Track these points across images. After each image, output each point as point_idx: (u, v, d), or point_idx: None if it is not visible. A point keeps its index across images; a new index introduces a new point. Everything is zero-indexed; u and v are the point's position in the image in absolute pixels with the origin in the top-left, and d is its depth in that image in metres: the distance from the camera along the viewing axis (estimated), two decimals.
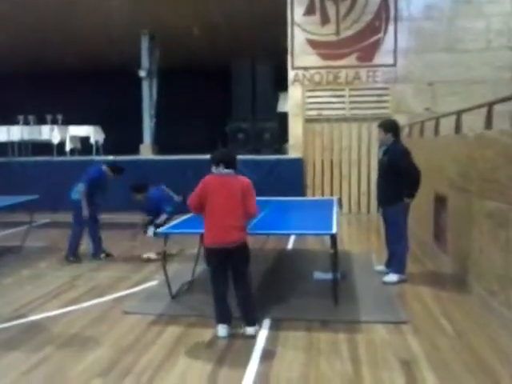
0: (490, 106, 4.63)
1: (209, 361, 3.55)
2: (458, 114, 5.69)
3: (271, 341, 3.89)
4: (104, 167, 6.67)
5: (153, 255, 6.45)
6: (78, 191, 6.52)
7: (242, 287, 3.99)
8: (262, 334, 4.00)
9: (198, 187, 3.95)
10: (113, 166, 6.74)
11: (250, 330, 3.96)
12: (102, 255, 6.66)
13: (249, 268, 4.04)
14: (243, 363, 3.48)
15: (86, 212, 6.45)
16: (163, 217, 6.56)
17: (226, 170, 3.97)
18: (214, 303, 4.04)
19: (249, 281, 4.06)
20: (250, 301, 4.05)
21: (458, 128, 5.69)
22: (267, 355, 3.64)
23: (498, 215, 4.17)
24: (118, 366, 3.48)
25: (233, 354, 3.69)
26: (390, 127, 5.45)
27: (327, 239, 4.99)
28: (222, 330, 3.98)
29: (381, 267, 5.81)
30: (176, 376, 3.34)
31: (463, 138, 5.33)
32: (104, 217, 7.14)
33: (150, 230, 6.60)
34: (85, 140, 12.95)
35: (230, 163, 3.99)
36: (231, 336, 3.97)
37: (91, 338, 3.98)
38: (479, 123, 5.52)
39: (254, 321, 4.01)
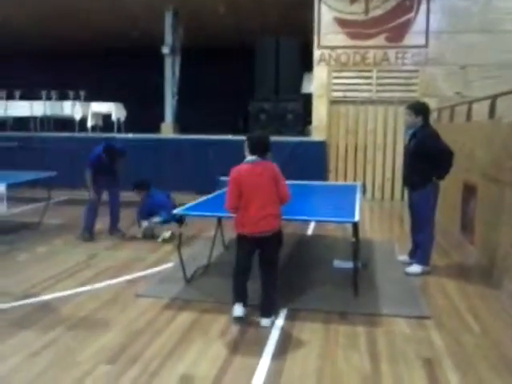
0: None
1: (221, 350, 3.43)
2: (493, 98, 5.36)
3: (287, 331, 3.74)
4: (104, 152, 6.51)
5: (167, 234, 6.40)
6: (86, 176, 6.50)
7: (270, 274, 3.89)
8: (278, 324, 3.85)
9: (232, 187, 3.77)
10: (108, 150, 6.50)
11: (265, 322, 3.82)
12: (87, 235, 6.52)
13: (279, 256, 3.99)
14: (257, 354, 3.34)
15: (92, 194, 6.49)
16: (156, 219, 6.47)
17: (258, 158, 3.80)
18: (234, 281, 3.91)
19: (277, 269, 3.97)
20: (273, 290, 3.92)
21: (492, 113, 5.37)
22: (282, 347, 3.49)
23: None
24: (127, 351, 3.38)
25: (246, 343, 3.55)
26: (420, 110, 5.16)
27: (349, 226, 4.80)
28: (238, 309, 3.85)
29: (404, 257, 5.59)
30: (186, 364, 3.22)
31: (498, 124, 5.02)
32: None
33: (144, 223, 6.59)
34: (107, 117, 12.87)
35: (265, 150, 3.83)
36: (246, 324, 3.83)
37: (102, 321, 3.89)
38: None
39: (271, 312, 3.88)
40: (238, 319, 3.83)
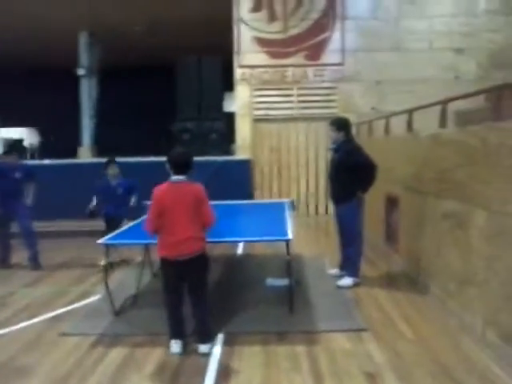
0: (445, 104, 4.55)
1: None
2: (410, 112, 5.62)
3: (226, 358, 3.59)
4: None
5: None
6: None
7: (199, 300, 3.71)
8: (216, 351, 3.70)
9: (152, 206, 3.60)
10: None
11: (203, 348, 3.67)
12: None
13: (207, 280, 3.82)
14: None
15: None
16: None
17: (181, 177, 3.63)
18: (168, 317, 3.72)
19: (207, 293, 3.80)
20: (206, 315, 3.77)
21: (409, 127, 5.62)
22: (223, 375, 3.34)
23: (456, 216, 4.07)
24: None
25: (185, 376, 3.37)
26: (342, 125, 5.29)
27: (279, 243, 4.76)
28: (175, 345, 3.67)
29: (334, 270, 5.65)
30: None
31: (417, 138, 5.24)
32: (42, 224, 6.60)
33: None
34: (18, 143, 12.12)
35: (188, 168, 3.66)
36: (182, 355, 3.64)
37: (22, 368, 3.52)
38: (424, 123, 5.50)
39: (208, 338, 3.73)
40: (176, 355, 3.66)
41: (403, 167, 5.72)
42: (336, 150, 5.37)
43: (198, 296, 3.71)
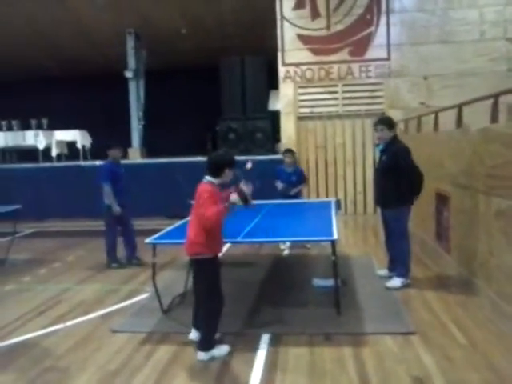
0: (496, 97, 4.36)
1: None
2: (460, 107, 5.42)
3: (271, 359, 3.59)
4: (108, 159, 6.45)
5: None
6: (104, 192, 6.27)
7: (198, 305, 3.76)
8: (262, 352, 3.71)
9: None
10: (111, 147, 6.45)
11: (198, 355, 3.63)
12: (114, 265, 6.38)
13: (205, 287, 3.64)
14: None
15: (116, 207, 6.24)
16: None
17: (207, 178, 3.61)
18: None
19: (206, 301, 3.65)
20: (203, 323, 3.69)
21: (459, 122, 5.42)
22: (268, 377, 3.34)
23: (510, 214, 3.90)
24: None
25: (230, 375, 3.40)
26: (392, 124, 5.21)
27: (325, 243, 4.72)
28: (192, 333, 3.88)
29: (383, 271, 5.54)
30: None
31: (466, 133, 5.06)
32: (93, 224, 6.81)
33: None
34: (71, 145, 12.57)
35: (209, 169, 3.62)
36: (228, 354, 3.68)
37: (76, 362, 3.66)
38: (474, 117, 5.30)
39: (204, 346, 3.62)
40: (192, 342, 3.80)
41: (453, 163, 5.53)
42: (383, 151, 5.26)
43: (197, 300, 3.77)
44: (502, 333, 3.88)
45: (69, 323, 4.50)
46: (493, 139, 4.32)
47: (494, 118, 4.50)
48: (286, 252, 6.82)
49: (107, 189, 6.22)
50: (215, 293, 3.64)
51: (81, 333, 4.25)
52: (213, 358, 3.60)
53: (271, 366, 3.48)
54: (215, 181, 3.59)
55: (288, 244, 6.78)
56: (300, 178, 7.18)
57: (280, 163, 7.53)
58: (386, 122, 5.20)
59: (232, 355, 3.66)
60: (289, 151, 7.27)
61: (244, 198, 3.56)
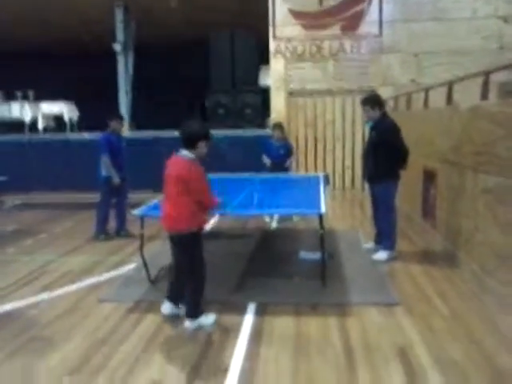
0: (487, 75, 4.35)
1: (191, 351, 3.29)
2: (450, 84, 5.41)
3: (257, 328, 3.63)
4: (107, 130, 6.32)
5: None
6: (103, 163, 6.17)
7: (186, 279, 3.68)
8: (247, 321, 3.74)
9: None
10: (112, 118, 6.33)
11: (186, 323, 3.66)
12: (102, 236, 6.33)
13: (195, 261, 3.61)
14: (227, 357, 3.22)
15: (116, 179, 6.17)
16: None
17: (183, 151, 3.51)
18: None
19: (191, 275, 3.63)
20: (190, 296, 3.68)
21: (449, 99, 5.42)
22: (254, 344, 3.38)
23: (496, 191, 3.93)
24: (91, 361, 3.19)
25: (217, 343, 3.43)
26: (375, 102, 5.20)
27: (313, 217, 4.73)
28: (163, 305, 3.85)
29: (369, 244, 5.60)
30: (154, 370, 3.07)
31: (456, 110, 5.06)
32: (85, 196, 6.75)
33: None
34: (58, 117, 12.39)
35: (184, 141, 3.49)
36: (215, 323, 3.71)
37: (62, 331, 3.67)
38: (465, 95, 5.31)
39: (192, 315, 3.65)
40: (165, 316, 3.80)
41: (442, 140, 5.55)
42: (372, 128, 5.27)
43: (183, 274, 3.71)
44: (483, 305, 3.96)
45: (55, 293, 4.49)
46: (482, 117, 4.33)
47: (484, 95, 4.50)
48: (273, 225, 6.85)
49: (105, 160, 6.12)
50: (202, 262, 3.66)
51: (67, 303, 4.25)
52: (200, 327, 3.63)
53: (257, 335, 3.51)
54: (191, 154, 3.49)
55: (275, 217, 6.86)
56: (288, 151, 7.26)
57: (269, 138, 7.52)
58: (370, 102, 5.19)
59: (218, 324, 3.70)
60: (278, 125, 7.29)
61: None
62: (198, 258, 3.64)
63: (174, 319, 3.79)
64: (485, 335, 3.44)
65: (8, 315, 4.01)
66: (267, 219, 6.99)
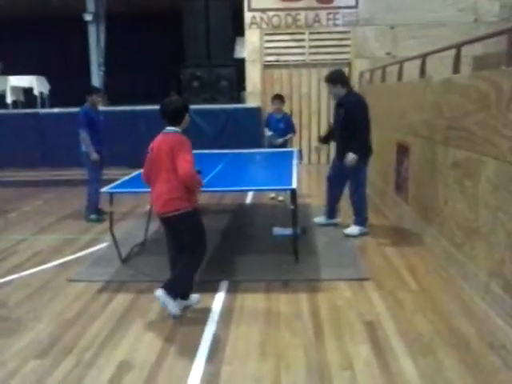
0: (459, 48, 4.33)
1: (161, 332, 3.29)
2: (423, 57, 5.38)
3: (228, 306, 3.64)
4: (85, 105, 6.05)
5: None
6: (81, 139, 5.91)
7: (181, 258, 3.51)
8: (219, 299, 3.75)
9: (147, 156, 3.50)
10: (90, 92, 6.09)
11: (158, 292, 3.41)
12: (93, 216, 6.07)
13: (195, 241, 3.49)
14: (198, 335, 3.22)
15: (94, 155, 5.90)
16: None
17: (170, 128, 3.44)
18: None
19: (191, 256, 3.48)
20: (181, 273, 3.51)
21: (422, 73, 5.40)
22: (224, 321, 3.40)
23: (465, 165, 3.96)
24: (59, 342, 3.16)
25: (187, 322, 3.43)
26: (335, 78, 5.12)
27: (287, 192, 4.73)
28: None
29: (320, 218, 5.68)
30: (123, 351, 3.06)
31: (429, 83, 5.04)
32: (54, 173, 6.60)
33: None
34: (28, 91, 12.01)
35: (169, 118, 3.42)
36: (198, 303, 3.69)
37: (31, 312, 3.63)
38: (439, 68, 5.30)
39: (171, 291, 3.42)
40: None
41: (415, 114, 5.55)
42: (339, 105, 5.22)
43: (180, 254, 3.51)
44: (451, 278, 4.04)
45: (24, 273, 4.43)
46: (453, 90, 4.32)
47: (456, 68, 4.49)
48: (280, 198, 6.79)
49: (84, 135, 5.88)
50: (203, 242, 3.53)
51: (36, 283, 4.20)
52: (185, 307, 3.58)
53: (227, 313, 3.53)
54: (179, 129, 3.45)
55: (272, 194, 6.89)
56: (288, 125, 6.94)
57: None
58: (332, 79, 5.13)
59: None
60: (278, 97, 7.00)
61: None
62: (202, 236, 3.52)
63: (144, 300, 3.77)
64: (449, 307, 3.52)
65: None
66: (272, 195, 6.92)
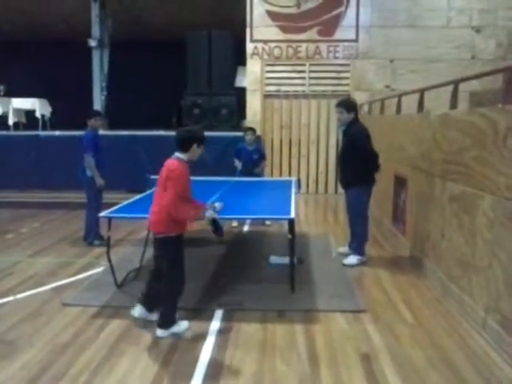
0: (456, 84, 4.42)
1: (154, 360, 3.25)
2: (421, 92, 5.48)
3: (223, 336, 3.60)
4: (88, 129, 6.02)
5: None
6: (87, 164, 5.84)
7: (162, 283, 3.59)
8: (214, 328, 3.72)
9: None
10: (91, 116, 6.06)
11: (157, 332, 3.58)
12: (96, 242, 6.00)
13: (171, 266, 3.53)
14: (192, 364, 3.18)
15: (100, 180, 5.84)
16: None
17: (176, 153, 3.55)
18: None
19: (169, 281, 3.55)
20: (163, 302, 3.62)
21: (420, 106, 5.49)
22: (218, 352, 3.36)
23: (463, 199, 4.00)
24: (51, 369, 3.11)
25: (181, 351, 3.39)
26: (352, 107, 5.27)
27: (285, 221, 4.74)
28: (135, 308, 3.79)
29: (343, 248, 5.65)
30: (115, 379, 3.01)
31: (427, 118, 5.13)
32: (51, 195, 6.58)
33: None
34: (30, 113, 12.11)
35: (176, 143, 3.56)
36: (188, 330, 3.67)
37: (23, 336, 3.58)
38: (436, 103, 5.40)
39: (164, 323, 3.57)
40: (134, 319, 3.76)
41: (413, 147, 5.62)
42: (345, 133, 5.34)
43: (153, 278, 3.70)
44: (447, 312, 4.02)
45: (19, 296, 4.39)
46: (450, 125, 4.40)
47: (453, 104, 4.57)
48: (268, 223, 7.02)
49: (90, 160, 5.82)
50: (179, 270, 3.57)
51: (31, 306, 4.16)
52: (173, 335, 3.57)
53: (222, 342, 3.49)
54: (183, 156, 3.52)
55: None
56: (260, 154, 7.22)
57: (241, 141, 7.50)
58: (345, 105, 5.25)
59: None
60: (250, 129, 7.28)
61: (215, 228, 3.77)
62: (178, 264, 3.56)
63: (140, 324, 3.74)
64: (446, 341, 3.49)
65: None
66: (234, 224, 6.96)
